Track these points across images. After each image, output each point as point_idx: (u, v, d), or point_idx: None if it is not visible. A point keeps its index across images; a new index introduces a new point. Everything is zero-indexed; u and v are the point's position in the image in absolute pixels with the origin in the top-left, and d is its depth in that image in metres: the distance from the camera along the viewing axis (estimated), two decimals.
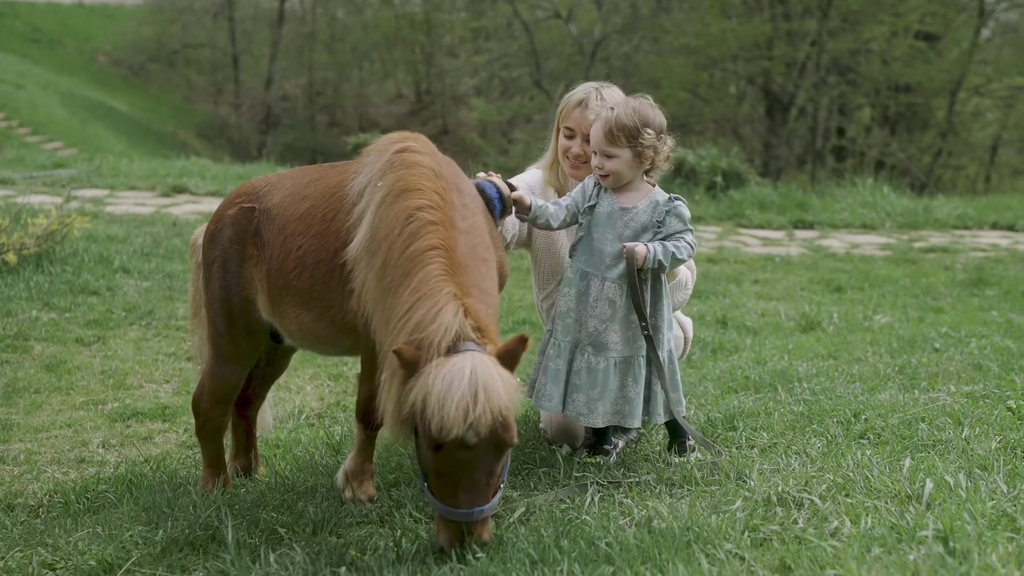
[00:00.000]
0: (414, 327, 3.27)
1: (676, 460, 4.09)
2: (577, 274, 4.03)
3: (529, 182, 4.59)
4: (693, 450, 4.21)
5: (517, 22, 33.65)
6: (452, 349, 3.20)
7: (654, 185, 4.09)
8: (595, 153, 4.01)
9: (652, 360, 3.98)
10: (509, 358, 3.26)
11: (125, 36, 41.81)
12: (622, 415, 3.98)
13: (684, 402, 4.14)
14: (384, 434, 3.47)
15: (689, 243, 3.96)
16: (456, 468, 3.19)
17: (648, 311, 3.96)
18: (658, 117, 3.97)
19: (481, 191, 3.93)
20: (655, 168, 4.04)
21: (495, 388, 3.12)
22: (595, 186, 4.08)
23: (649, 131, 3.92)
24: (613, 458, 4.17)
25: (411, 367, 3.20)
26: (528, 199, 4.06)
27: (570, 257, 4.10)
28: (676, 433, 4.25)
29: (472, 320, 3.28)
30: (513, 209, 4.07)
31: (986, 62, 29.68)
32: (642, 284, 3.93)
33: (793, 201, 13.67)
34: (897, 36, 28.53)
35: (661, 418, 4.03)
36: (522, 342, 3.28)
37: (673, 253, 3.89)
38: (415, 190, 3.56)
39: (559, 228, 4.14)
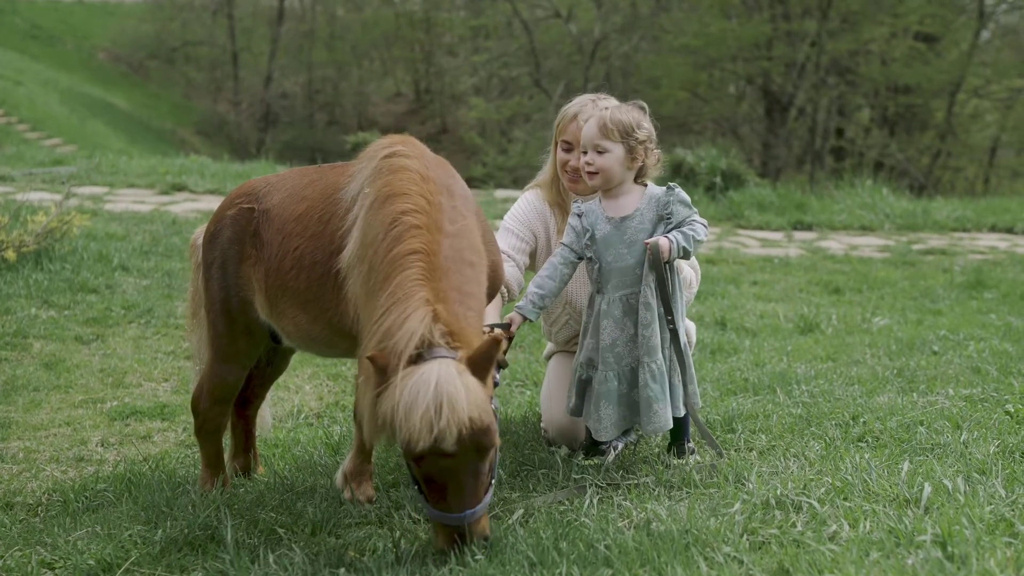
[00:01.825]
0: (384, 333, 3.26)
1: (675, 462, 4.09)
2: (611, 304, 4.00)
3: (525, 216, 4.56)
4: (692, 452, 4.22)
5: (517, 21, 33.64)
6: (420, 356, 3.18)
7: (646, 184, 4.08)
8: (585, 152, 4.01)
9: (675, 354, 4.00)
10: (482, 361, 3.22)
11: (124, 33, 41.75)
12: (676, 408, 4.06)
13: (699, 395, 4.17)
14: (365, 439, 3.48)
15: (702, 223, 3.97)
16: (441, 475, 3.19)
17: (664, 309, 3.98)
18: (650, 123, 4.02)
19: None
20: (645, 172, 4.04)
21: (458, 399, 3.08)
22: (578, 218, 4.06)
23: (645, 126, 3.95)
24: (612, 457, 4.18)
25: (383, 375, 3.18)
26: (519, 320, 4.02)
27: (599, 294, 4.07)
28: (676, 435, 4.25)
29: (442, 325, 3.24)
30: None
31: (985, 64, 29.70)
32: (670, 277, 3.95)
33: (792, 202, 13.67)
34: (896, 37, 28.57)
35: (680, 411, 4.04)
36: (495, 343, 3.24)
37: (692, 237, 3.90)
38: (401, 195, 3.54)
39: (572, 273, 4.13)
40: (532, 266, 4.61)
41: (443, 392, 3.07)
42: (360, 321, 3.56)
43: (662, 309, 3.95)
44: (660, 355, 3.96)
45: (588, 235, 4.04)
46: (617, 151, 3.95)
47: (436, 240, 3.45)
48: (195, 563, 3.52)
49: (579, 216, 4.08)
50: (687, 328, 4.68)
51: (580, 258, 4.11)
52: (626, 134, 3.93)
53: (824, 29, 27.10)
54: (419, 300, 3.28)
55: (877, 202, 14.10)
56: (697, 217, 3.99)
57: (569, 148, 4.42)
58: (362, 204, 3.65)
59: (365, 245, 3.54)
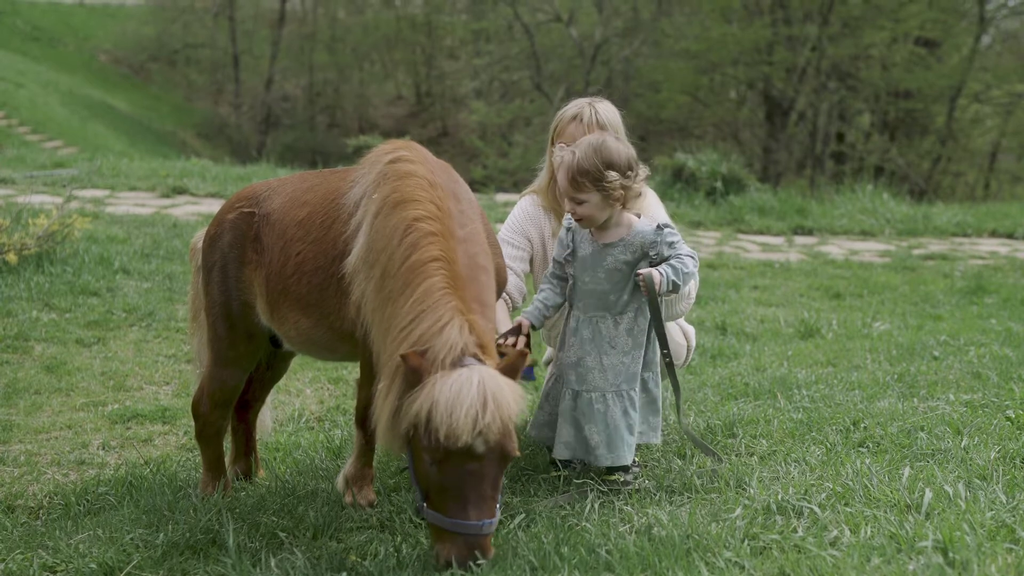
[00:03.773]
0: (417, 339, 3.28)
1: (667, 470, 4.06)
2: (579, 322, 3.98)
3: (519, 224, 4.57)
4: (628, 481, 4.04)
5: (518, 25, 33.69)
6: (455, 364, 3.21)
7: (639, 214, 4.04)
8: (566, 200, 3.94)
9: (672, 385, 4.00)
10: (511, 371, 3.28)
11: (126, 35, 41.82)
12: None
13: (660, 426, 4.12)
14: (378, 444, 3.47)
15: (690, 255, 3.88)
16: (464, 480, 3.18)
17: (649, 336, 3.96)
18: (622, 154, 3.86)
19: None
20: (628, 203, 3.95)
21: (504, 396, 3.13)
22: (567, 232, 4.03)
23: (612, 173, 3.81)
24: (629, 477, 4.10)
25: (416, 375, 3.19)
26: (528, 320, 3.99)
27: (571, 308, 4.04)
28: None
29: (476, 337, 3.28)
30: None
31: (986, 69, 29.72)
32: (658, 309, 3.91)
33: (793, 207, 13.68)
34: (897, 42, 28.60)
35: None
36: (522, 356, 3.31)
37: (682, 271, 3.83)
38: (411, 201, 3.56)
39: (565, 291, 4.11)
40: (532, 270, 4.62)
41: (488, 389, 3.11)
42: (370, 325, 3.56)
43: (649, 342, 3.94)
44: (637, 384, 3.92)
45: (569, 251, 4.02)
46: (593, 199, 3.85)
47: (452, 247, 3.47)
48: (197, 567, 3.53)
49: (568, 230, 4.04)
50: (686, 332, 4.69)
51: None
52: (596, 180, 3.81)
53: (825, 34, 27.13)
54: (452, 309, 3.30)
55: (877, 207, 14.11)
56: (683, 250, 3.90)
57: None
58: (367, 210, 3.66)
59: (376, 250, 3.55)
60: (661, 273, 3.80)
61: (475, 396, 3.08)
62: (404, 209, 3.54)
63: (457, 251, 3.48)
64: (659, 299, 3.89)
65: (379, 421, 3.36)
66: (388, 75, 45.16)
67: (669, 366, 3.97)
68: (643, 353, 3.95)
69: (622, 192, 3.85)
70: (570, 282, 4.04)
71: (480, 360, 3.25)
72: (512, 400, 3.16)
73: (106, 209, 11.60)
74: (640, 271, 3.84)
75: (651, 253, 3.90)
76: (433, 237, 3.47)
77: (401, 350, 3.27)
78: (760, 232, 12.80)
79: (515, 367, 3.29)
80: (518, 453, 3.25)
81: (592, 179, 3.81)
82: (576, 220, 3.95)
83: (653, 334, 3.98)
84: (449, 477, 3.18)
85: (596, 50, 31.67)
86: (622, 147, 3.90)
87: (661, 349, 3.95)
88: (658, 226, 3.93)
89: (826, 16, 27.22)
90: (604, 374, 3.92)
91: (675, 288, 3.84)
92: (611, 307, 3.93)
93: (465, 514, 3.19)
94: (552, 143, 4.50)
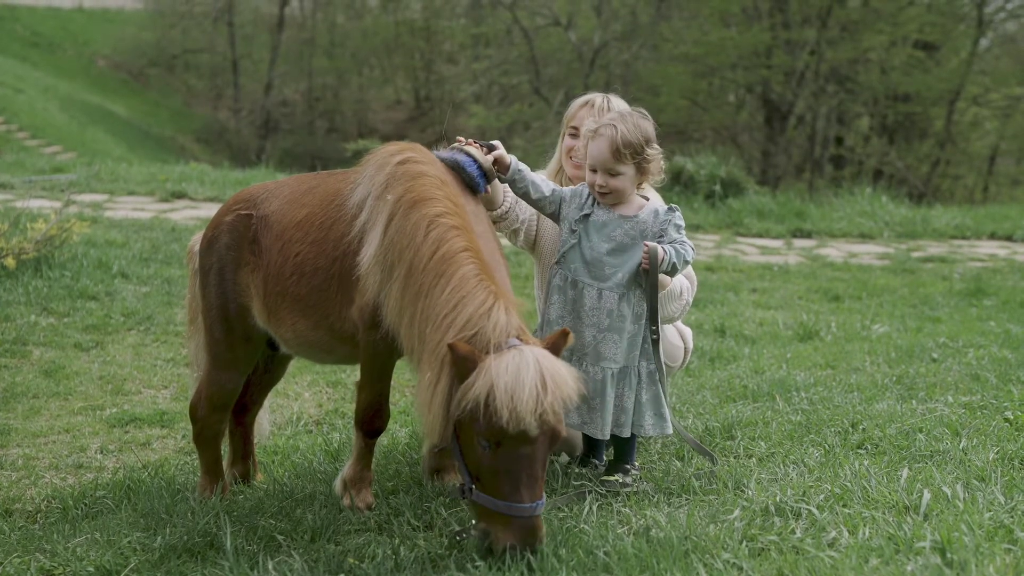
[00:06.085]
0: (464, 324, 3.31)
1: (616, 478, 4.01)
2: (566, 282, 3.99)
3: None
4: (628, 481, 4.02)
5: (517, 29, 33.74)
6: (499, 347, 3.25)
7: (647, 198, 4.08)
8: (595, 171, 3.96)
9: (656, 367, 3.97)
10: (554, 351, 3.32)
11: (125, 40, 41.82)
12: (619, 425, 3.98)
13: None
14: (427, 439, 3.46)
15: (690, 246, 3.99)
16: (518, 463, 3.21)
17: (644, 325, 3.96)
18: (653, 131, 3.99)
19: (460, 167, 3.87)
20: (646, 180, 4.03)
21: (561, 376, 3.18)
22: (589, 195, 4.05)
23: (654, 145, 3.94)
24: (629, 479, 4.08)
25: (467, 362, 3.21)
26: (508, 158, 4.01)
27: (556, 264, 4.06)
28: (620, 454, 4.14)
29: (516, 319, 3.34)
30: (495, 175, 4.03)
31: (985, 72, 29.79)
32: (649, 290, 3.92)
33: (791, 210, 13.69)
34: (896, 45, 28.65)
35: (647, 431, 3.99)
36: (564, 336, 3.36)
37: (683, 256, 3.92)
38: (428, 199, 3.59)
39: (535, 202, 4.09)
40: (525, 241, 4.59)
41: (546, 370, 3.15)
42: (397, 325, 3.57)
43: (638, 324, 3.94)
44: (608, 364, 3.91)
45: (584, 212, 4.00)
46: (629, 172, 3.94)
47: (474, 240, 3.53)
48: (194, 570, 3.52)
49: (589, 195, 4.04)
50: (683, 334, 4.68)
51: (554, 213, 4.08)
52: (636, 154, 3.91)
53: (823, 37, 27.17)
54: (492, 294, 3.37)
55: (876, 210, 14.13)
56: (688, 241, 3.99)
57: (575, 133, 4.46)
58: (379, 210, 3.67)
59: (397, 250, 3.57)
60: (665, 251, 3.88)
61: (535, 377, 3.12)
62: (422, 207, 3.58)
63: (479, 244, 3.53)
64: (658, 275, 3.92)
65: (429, 412, 3.36)
66: (387, 80, 45.18)
67: (655, 343, 3.97)
68: (622, 339, 3.93)
69: (653, 168, 3.96)
70: (573, 241, 4.01)
71: (524, 341, 3.28)
72: (569, 379, 3.21)
73: (105, 213, 11.60)
74: (647, 242, 3.90)
75: (656, 230, 3.95)
76: (457, 231, 3.52)
77: (448, 337, 3.30)
78: (759, 235, 12.81)
79: (557, 346, 3.34)
80: (565, 432, 3.28)
81: (634, 151, 3.90)
82: (604, 193, 3.97)
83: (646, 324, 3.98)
84: (504, 461, 3.21)
85: (595, 54, 31.69)
86: (651, 123, 4.01)
87: (650, 324, 3.95)
88: (671, 207, 4.03)
89: (825, 20, 27.27)
90: (579, 339, 3.94)
91: (673, 269, 3.92)
92: (600, 278, 3.94)
93: (519, 496, 3.21)
94: (564, 131, 4.58)
